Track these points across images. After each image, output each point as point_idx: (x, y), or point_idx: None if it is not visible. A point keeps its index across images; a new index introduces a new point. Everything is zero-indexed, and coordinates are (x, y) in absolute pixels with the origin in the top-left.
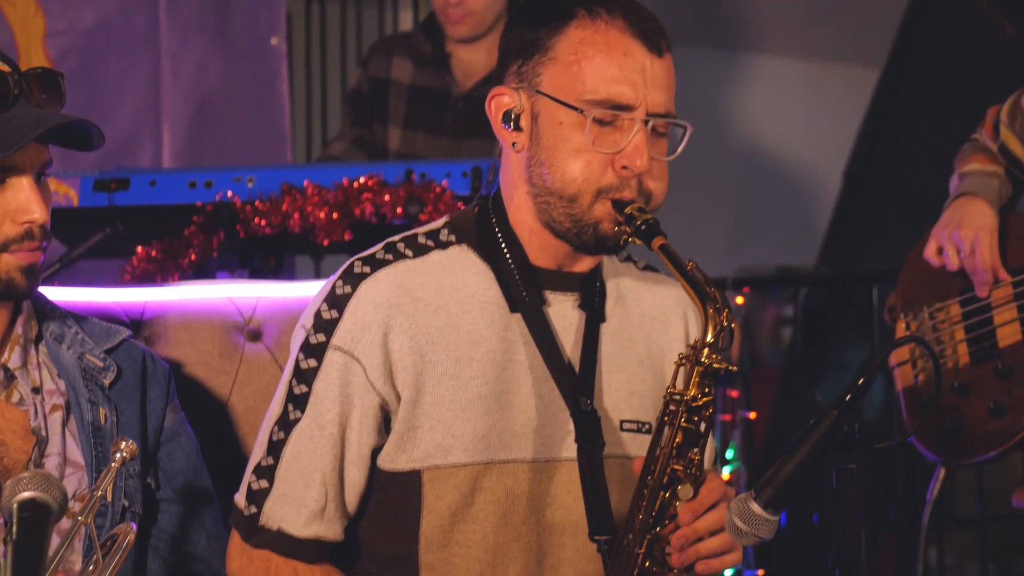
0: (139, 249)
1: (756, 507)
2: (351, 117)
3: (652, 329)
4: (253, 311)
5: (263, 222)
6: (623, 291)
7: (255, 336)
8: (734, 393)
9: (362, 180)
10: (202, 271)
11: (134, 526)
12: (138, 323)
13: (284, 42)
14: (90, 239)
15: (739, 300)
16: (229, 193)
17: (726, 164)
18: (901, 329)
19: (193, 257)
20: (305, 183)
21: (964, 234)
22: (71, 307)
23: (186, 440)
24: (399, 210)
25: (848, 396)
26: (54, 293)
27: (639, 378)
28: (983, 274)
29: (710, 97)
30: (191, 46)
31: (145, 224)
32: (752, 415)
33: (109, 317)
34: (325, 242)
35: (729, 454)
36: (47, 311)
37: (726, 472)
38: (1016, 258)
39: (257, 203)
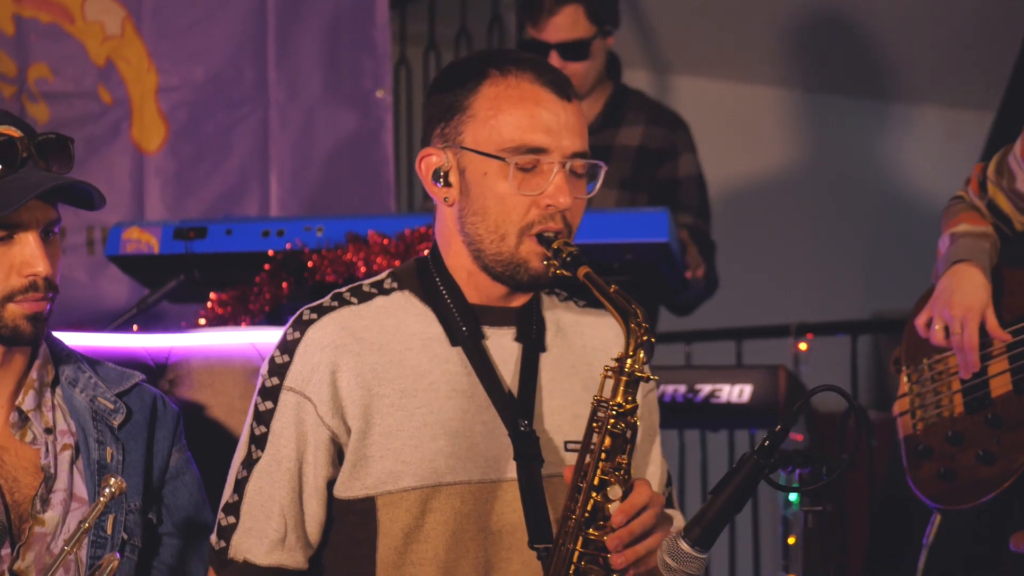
0: (213, 295)
1: (685, 545)
2: None
3: (594, 358)
4: None
5: (329, 270)
6: (563, 325)
7: None
8: (798, 437)
9: (421, 230)
10: (274, 317)
11: (118, 555)
12: (163, 367)
13: (389, 95)
14: (166, 285)
15: (803, 346)
16: (299, 242)
17: (862, 210)
18: (903, 380)
19: (264, 303)
20: (370, 232)
21: (954, 313)
22: (102, 353)
23: (190, 478)
24: None
25: (767, 441)
26: (75, 339)
27: (583, 402)
28: (969, 355)
29: (848, 143)
30: (298, 99)
31: (220, 271)
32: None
33: (135, 361)
34: None
35: (793, 497)
36: (63, 357)
37: (793, 498)
38: (1009, 311)
39: (324, 252)
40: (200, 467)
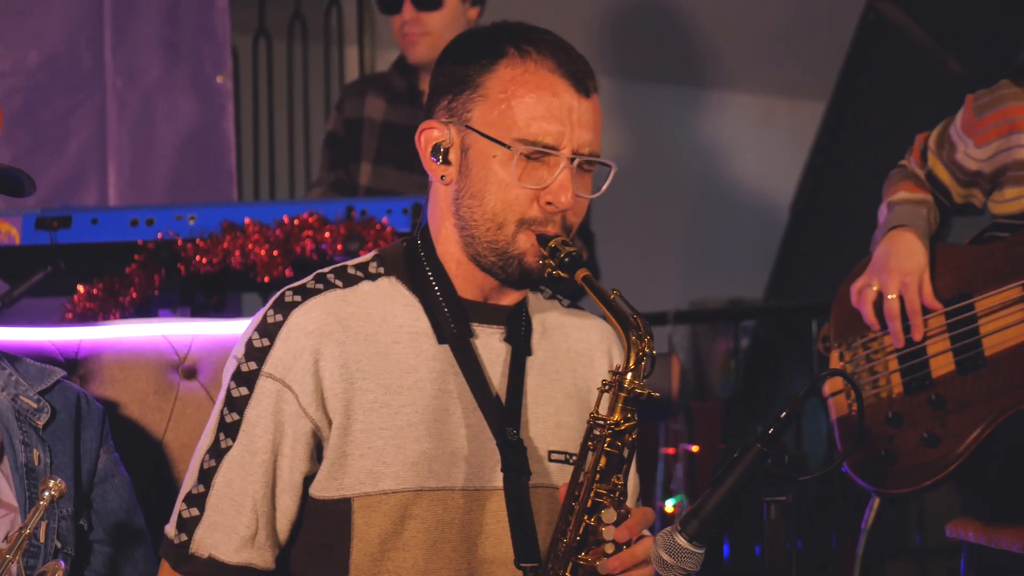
0: (80, 287)
1: (682, 540)
2: (328, 161)
3: (578, 364)
4: (188, 349)
5: (204, 260)
6: (549, 326)
7: (190, 374)
8: (676, 426)
9: (303, 217)
10: (144, 309)
11: (63, 563)
12: (73, 362)
13: (230, 80)
14: (32, 277)
15: None
16: (171, 231)
17: (679, 197)
18: (835, 359)
19: (134, 295)
20: (246, 220)
21: (892, 277)
22: (5, 347)
23: (120, 481)
24: (339, 247)
25: (771, 430)
26: None
27: (566, 410)
28: (912, 319)
29: (663, 131)
30: (137, 84)
31: (87, 262)
32: (695, 448)
33: (44, 356)
34: (266, 279)
35: (672, 487)
36: None
37: (670, 505)
38: (946, 288)
39: (198, 241)
40: None
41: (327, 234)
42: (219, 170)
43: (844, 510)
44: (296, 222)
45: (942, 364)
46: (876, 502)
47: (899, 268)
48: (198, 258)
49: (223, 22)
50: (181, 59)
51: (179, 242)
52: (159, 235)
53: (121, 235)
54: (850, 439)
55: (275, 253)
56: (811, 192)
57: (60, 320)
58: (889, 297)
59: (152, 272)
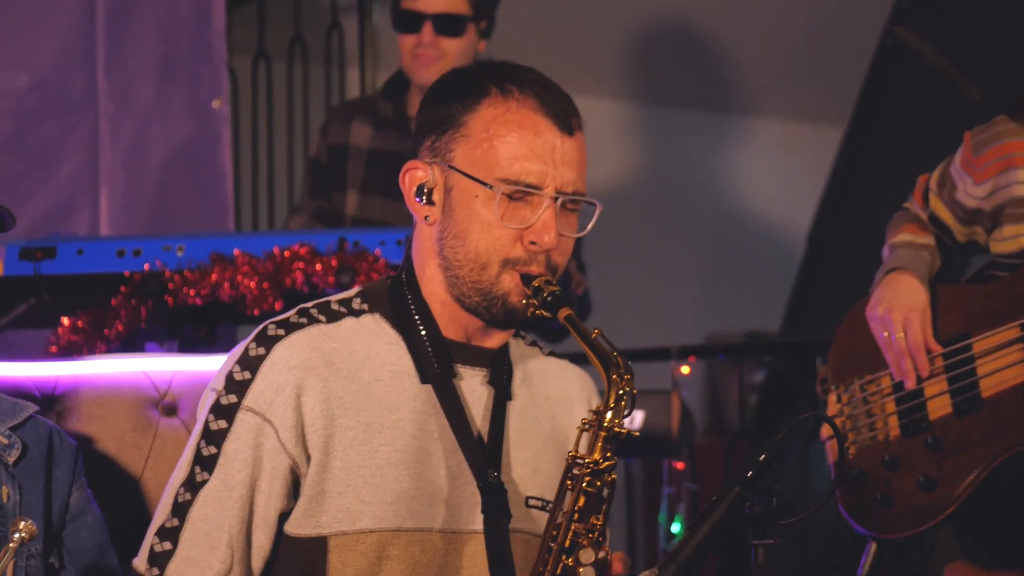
0: (65, 320)
1: None
2: (310, 187)
3: (557, 411)
4: (169, 385)
5: (192, 292)
6: (529, 373)
7: (170, 411)
8: (680, 465)
9: (294, 248)
10: (130, 342)
11: None
12: (50, 398)
13: (226, 105)
14: (15, 310)
15: (685, 370)
16: (158, 262)
17: (696, 227)
18: (832, 401)
19: (120, 328)
20: (235, 252)
21: (894, 316)
22: None
23: (92, 519)
24: (331, 279)
25: (750, 473)
26: None
27: (544, 457)
28: (916, 356)
29: (679, 156)
30: (130, 109)
31: (72, 294)
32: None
33: (20, 392)
34: (256, 312)
35: (675, 528)
36: None
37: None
38: (944, 329)
39: (186, 272)
40: None
41: (318, 266)
42: (215, 197)
43: (846, 551)
44: (287, 254)
45: (939, 406)
46: (873, 547)
47: (902, 305)
48: (186, 290)
49: (220, 45)
50: (176, 83)
51: (167, 273)
52: (146, 266)
53: (107, 266)
54: (852, 481)
55: (265, 285)
56: (828, 222)
57: (44, 353)
58: (897, 336)
59: (139, 304)
